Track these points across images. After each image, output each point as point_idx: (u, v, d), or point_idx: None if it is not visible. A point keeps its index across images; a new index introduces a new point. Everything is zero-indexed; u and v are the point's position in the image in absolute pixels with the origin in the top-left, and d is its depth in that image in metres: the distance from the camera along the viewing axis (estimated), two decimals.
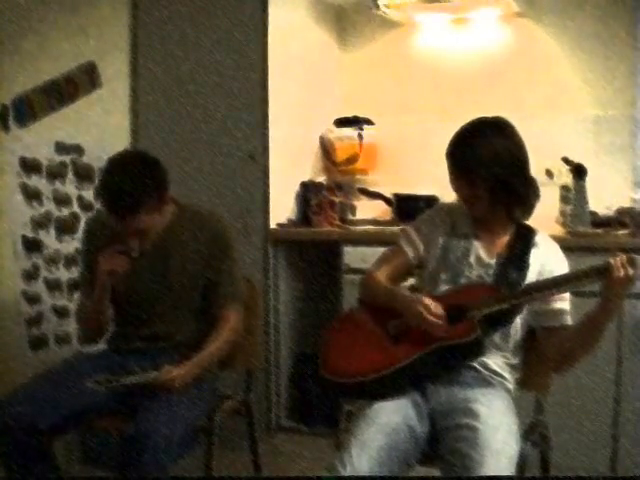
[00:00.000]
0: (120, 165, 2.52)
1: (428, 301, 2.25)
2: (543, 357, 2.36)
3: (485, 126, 2.35)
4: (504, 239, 2.39)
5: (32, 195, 3.42)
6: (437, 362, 2.25)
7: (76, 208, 3.61)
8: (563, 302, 2.33)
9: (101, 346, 2.86)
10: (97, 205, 2.80)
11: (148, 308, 2.70)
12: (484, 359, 2.29)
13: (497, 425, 2.11)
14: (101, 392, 2.44)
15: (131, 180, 2.45)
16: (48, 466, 2.49)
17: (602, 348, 3.10)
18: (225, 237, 2.71)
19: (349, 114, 4.11)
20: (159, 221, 2.61)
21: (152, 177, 2.51)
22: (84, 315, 2.77)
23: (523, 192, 2.34)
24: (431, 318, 2.22)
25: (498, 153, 2.29)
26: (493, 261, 2.36)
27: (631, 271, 2.10)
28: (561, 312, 2.33)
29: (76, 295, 3.51)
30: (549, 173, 3.69)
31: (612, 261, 2.11)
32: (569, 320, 2.33)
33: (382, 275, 2.45)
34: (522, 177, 2.34)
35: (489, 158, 2.28)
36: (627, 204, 3.54)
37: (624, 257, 2.11)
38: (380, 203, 4.05)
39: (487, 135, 2.32)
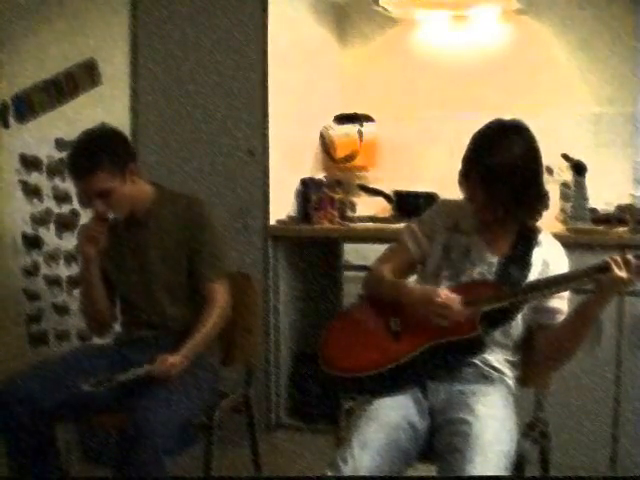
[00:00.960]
0: (82, 136, 2.66)
1: (448, 292, 2.24)
2: (538, 353, 2.35)
3: (505, 132, 2.28)
4: (507, 237, 2.37)
5: (32, 192, 3.43)
6: (437, 359, 2.25)
7: (76, 205, 3.61)
8: (561, 301, 2.32)
9: (98, 341, 2.87)
10: None
11: (139, 295, 2.73)
12: (484, 355, 2.28)
13: (490, 421, 2.10)
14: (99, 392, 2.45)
15: (87, 144, 2.61)
16: (51, 466, 2.52)
17: (602, 348, 3.15)
18: (203, 215, 2.75)
19: (349, 111, 4.09)
20: (127, 192, 2.63)
21: (107, 142, 2.63)
22: (87, 309, 2.79)
23: (534, 202, 2.32)
24: (455, 309, 2.21)
25: (518, 164, 2.23)
26: (495, 259, 2.34)
27: (632, 271, 2.10)
28: (557, 311, 2.31)
29: (76, 292, 3.52)
30: (549, 170, 3.67)
31: (613, 261, 2.11)
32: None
33: (386, 271, 2.43)
34: (536, 188, 2.31)
35: (509, 169, 2.22)
36: (627, 201, 3.53)
37: (625, 257, 2.11)
38: (380, 200, 4.04)
39: (508, 142, 2.25)
